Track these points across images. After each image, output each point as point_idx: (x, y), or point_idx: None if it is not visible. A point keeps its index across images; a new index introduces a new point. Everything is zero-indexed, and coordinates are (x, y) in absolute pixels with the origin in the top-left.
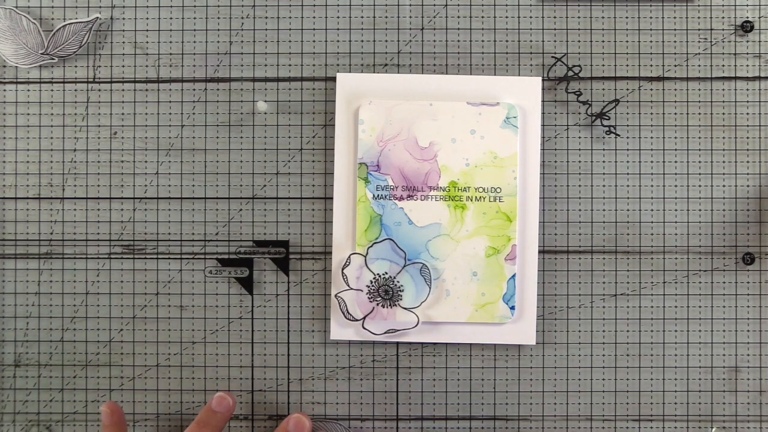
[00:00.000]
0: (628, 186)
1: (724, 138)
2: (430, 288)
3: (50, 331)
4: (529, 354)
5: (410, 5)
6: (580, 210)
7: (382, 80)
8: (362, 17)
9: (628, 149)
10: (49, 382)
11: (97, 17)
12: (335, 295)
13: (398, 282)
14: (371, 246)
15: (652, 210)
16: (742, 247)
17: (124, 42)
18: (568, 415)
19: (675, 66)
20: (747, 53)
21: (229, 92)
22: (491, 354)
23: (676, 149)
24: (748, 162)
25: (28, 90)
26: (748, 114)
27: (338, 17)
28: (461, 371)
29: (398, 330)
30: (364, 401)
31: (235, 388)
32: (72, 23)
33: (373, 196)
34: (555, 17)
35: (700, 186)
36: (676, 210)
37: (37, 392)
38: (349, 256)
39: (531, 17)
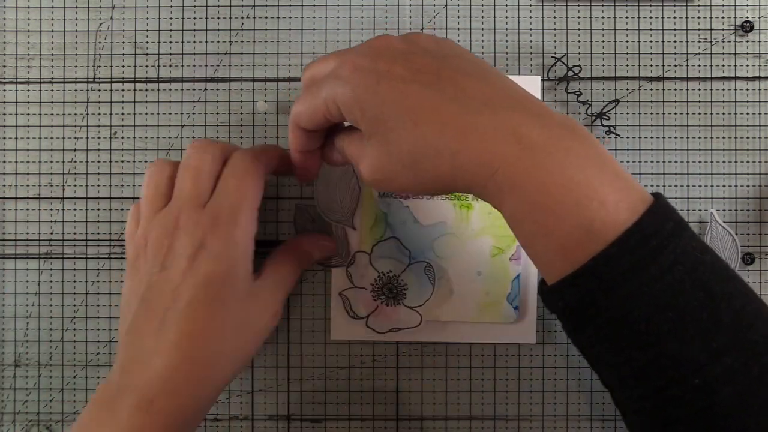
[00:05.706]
0: None
1: (724, 138)
2: (433, 287)
3: (50, 331)
4: (529, 354)
5: (410, 5)
6: None
7: None
8: (362, 17)
9: (628, 149)
10: (49, 382)
11: None
12: (339, 293)
13: (402, 280)
14: (376, 244)
15: None
16: (742, 247)
17: (124, 42)
18: (568, 415)
19: (675, 66)
20: (747, 53)
21: (229, 92)
22: (491, 354)
23: (676, 149)
24: (748, 162)
25: (28, 90)
26: (748, 114)
27: (338, 17)
28: (461, 371)
29: (402, 328)
30: (364, 401)
31: (235, 388)
32: None
33: (379, 194)
34: (555, 17)
35: (700, 186)
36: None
37: (37, 392)
38: (354, 254)
39: (531, 17)
